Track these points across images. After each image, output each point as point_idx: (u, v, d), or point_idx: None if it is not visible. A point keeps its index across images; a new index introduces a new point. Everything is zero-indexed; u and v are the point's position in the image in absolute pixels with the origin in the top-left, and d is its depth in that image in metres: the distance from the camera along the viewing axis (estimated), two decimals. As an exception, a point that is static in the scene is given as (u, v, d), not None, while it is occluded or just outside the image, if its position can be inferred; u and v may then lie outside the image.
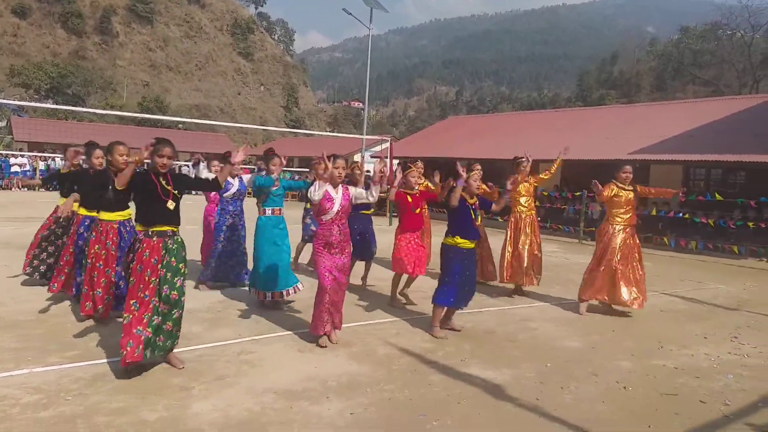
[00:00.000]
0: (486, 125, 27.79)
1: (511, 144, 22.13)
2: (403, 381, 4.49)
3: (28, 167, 28.56)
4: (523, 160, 8.03)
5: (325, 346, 5.20)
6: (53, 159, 30.47)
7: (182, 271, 4.49)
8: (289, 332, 5.63)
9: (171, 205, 4.43)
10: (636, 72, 73.00)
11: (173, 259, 4.42)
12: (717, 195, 14.25)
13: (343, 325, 5.56)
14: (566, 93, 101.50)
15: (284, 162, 6.74)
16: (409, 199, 6.90)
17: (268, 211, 6.47)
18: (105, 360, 4.59)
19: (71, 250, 6.18)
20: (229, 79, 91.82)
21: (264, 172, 6.62)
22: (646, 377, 4.85)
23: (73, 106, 49.61)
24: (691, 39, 49.94)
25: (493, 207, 6.10)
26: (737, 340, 6.14)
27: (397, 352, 5.21)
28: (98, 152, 6.19)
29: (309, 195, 5.19)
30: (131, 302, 4.30)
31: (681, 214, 14.95)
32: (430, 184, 8.48)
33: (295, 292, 6.47)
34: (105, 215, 5.65)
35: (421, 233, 7.26)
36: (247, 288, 6.94)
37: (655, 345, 5.83)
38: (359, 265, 7.94)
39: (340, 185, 5.30)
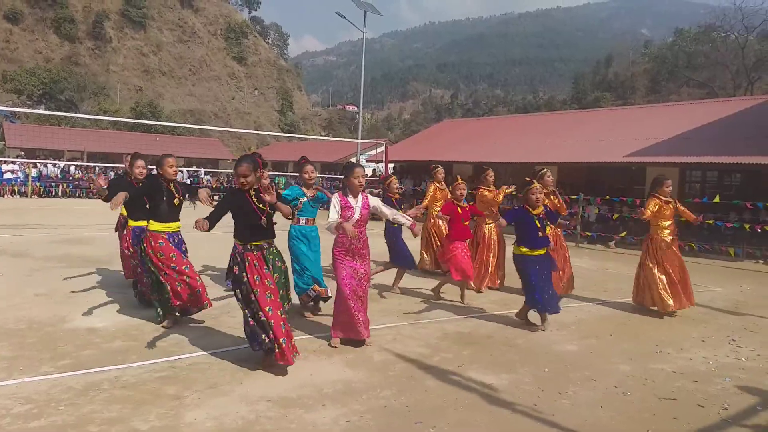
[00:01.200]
0: (481, 128, 27.82)
1: (507, 147, 22.17)
2: (399, 387, 4.44)
3: (20, 174, 28.40)
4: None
5: (336, 347, 5.33)
6: (45, 165, 30.34)
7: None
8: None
9: (264, 222, 4.78)
10: (631, 74, 73.17)
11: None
12: (717, 198, 14.27)
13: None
14: (561, 95, 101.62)
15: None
16: (459, 211, 7.26)
17: (302, 221, 6.43)
18: (97, 369, 4.53)
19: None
20: (223, 83, 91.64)
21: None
22: (644, 381, 4.82)
23: (66, 111, 49.44)
24: (685, 41, 50.14)
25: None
26: (735, 343, 6.12)
27: (393, 358, 5.16)
28: (140, 162, 6.63)
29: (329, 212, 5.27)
30: (267, 309, 4.59)
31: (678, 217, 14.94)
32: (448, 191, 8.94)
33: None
34: (157, 226, 5.78)
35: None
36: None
37: (653, 348, 5.80)
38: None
39: (360, 193, 5.35)
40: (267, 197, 4.71)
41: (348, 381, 4.53)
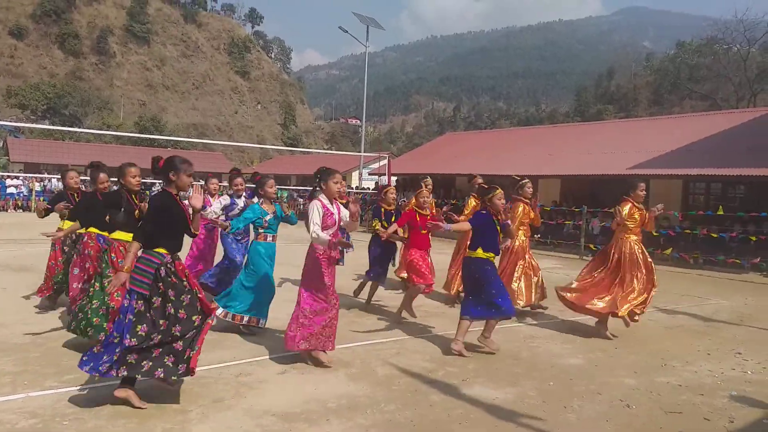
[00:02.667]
0: (484, 141, 27.91)
1: (510, 160, 22.21)
2: (404, 401, 4.43)
3: (23, 189, 28.54)
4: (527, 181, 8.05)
5: (323, 365, 5.17)
6: (49, 180, 30.48)
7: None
8: (288, 354, 5.56)
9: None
10: (633, 87, 73.44)
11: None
12: (720, 209, 14.25)
13: (342, 346, 5.50)
14: (564, 108, 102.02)
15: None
16: (418, 218, 7.14)
17: (269, 238, 6.23)
18: (102, 384, 4.52)
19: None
20: (226, 97, 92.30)
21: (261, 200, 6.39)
22: (649, 394, 4.80)
23: (69, 126, 49.81)
24: (688, 54, 50.29)
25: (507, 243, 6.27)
26: (740, 356, 6.09)
27: (397, 372, 5.15)
28: (103, 176, 6.25)
29: (309, 222, 5.09)
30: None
31: (680, 228, 14.94)
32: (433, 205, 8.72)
33: (264, 325, 6.24)
34: (121, 235, 5.62)
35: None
36: None
37: (658, 362, 5.78)
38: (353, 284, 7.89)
39: (335, 201, 5.32)
40: (193, 202, 4.35)
41: (352, 395, 4.52)
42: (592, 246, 16.04)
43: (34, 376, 4.66)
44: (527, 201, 7.73)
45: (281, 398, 4.39)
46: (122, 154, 42.62)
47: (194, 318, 4.20)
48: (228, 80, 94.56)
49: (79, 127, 49.34)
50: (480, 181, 8.03)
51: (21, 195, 28.14)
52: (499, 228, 5.84)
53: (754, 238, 13.61)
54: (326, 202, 5.19)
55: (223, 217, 6.89)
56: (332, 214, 5.16)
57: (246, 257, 6.37)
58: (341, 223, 5.35)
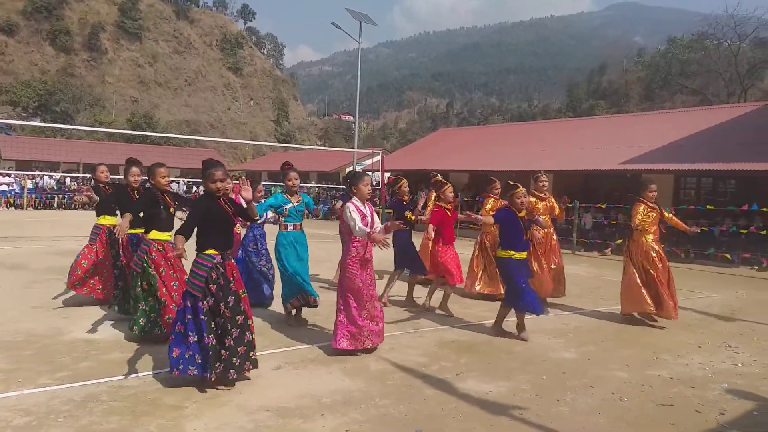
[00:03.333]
0: (477, 137, 27.93)
1: (503, 155, 22.26)
2: (398, 396, 4.45)
3: (15, 186, 28.39)
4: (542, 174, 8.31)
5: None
6: (41, 177, 30.33)
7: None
8: (283, 349, 5.58)
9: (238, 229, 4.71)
10: (625, 82, 73.67)
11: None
12: (709, 206, 14.37)
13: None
14: (556, 104, 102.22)
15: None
16: (449, 214, 7.36)
17: (290, 227, 6.43)
18: (96, 381, 4.52)
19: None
20: (219, 94, 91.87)
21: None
22: (641, 388, 4.84)
23: (61, 123, 49.49)
24: (679, 49, 50.54)
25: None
26: (731, 349, 6.15)
27: (391, 367, 5.17)
28: (135, 170, 6.46)
29: (349, 221, 5.23)
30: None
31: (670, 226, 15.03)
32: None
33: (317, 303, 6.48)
34: (159, 235, 5.72)
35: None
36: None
37: (650, 355, 5.83)
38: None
39: (365, 201, 5.46)
40: (245, 194, 4.61)
41: (347, 390, 4.54)
42: (584, 240, 16.13)
43: (28, 373, 4.66)
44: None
45: (276, 394, 4.41)
46: (114, 151, 42.41)
47: (237, 318, 4.50)
48: (220, 76, 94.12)
49: (71, 124, 49.00)
50: (438, 177, 8.09)
51: (13, 193, 28.00)
52: (522, 226, 6.06)
53: (744, 232, 13.71)
54: (359, 203, 5.36)
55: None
56: (365, 215, 5.32)
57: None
58: (374, 228, 5.42)
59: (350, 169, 24.91)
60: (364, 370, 5.05)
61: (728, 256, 13.67)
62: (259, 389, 4.50)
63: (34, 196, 28.34)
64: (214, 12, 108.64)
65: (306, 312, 6.72)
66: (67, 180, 31.54)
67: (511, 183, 6.20)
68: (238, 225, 7.09)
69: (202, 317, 4.36)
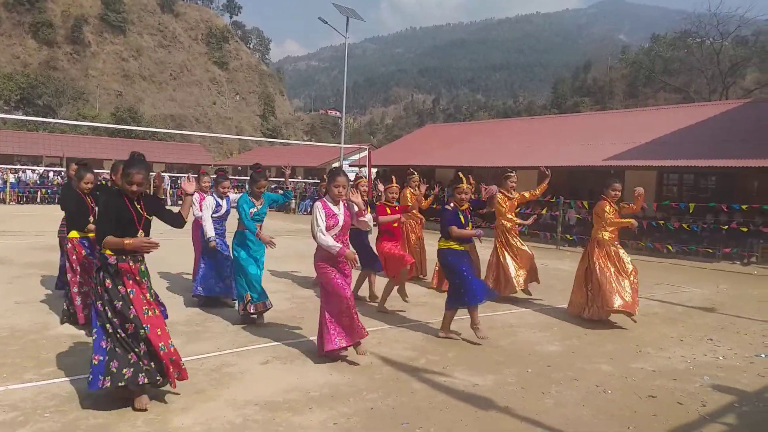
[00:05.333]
0: (463, 133, 28.02)
1: (488, 151, 22.36)
2: (386, 390, 4.49)
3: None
4: (512, 174, 8.18)
5: (365, 353, 5.16)
6: (24, 171, 29.94)
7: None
8: (270, 344, 5.59)
9: (141, 234, 4.13)
10: (609, 79, 74.20)
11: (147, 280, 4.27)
12: (691, 205, 14.57)
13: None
14: (541, 100, 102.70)
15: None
16: (388, 211, 7.39)
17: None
18: (82, 376, 4.49)
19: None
20: (204, 88, 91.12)
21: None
22: (625, 380, 4.92)
23: (44, 117, 48.86)
24: (662, 47, 50.93)
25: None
26: (712, 342, 6.26)
27: (379, 361, 5.21)
28: (89, 176, 5.96)
29: (313, 225, 5.02)
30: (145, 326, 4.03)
31: (655, 223, 15.21)
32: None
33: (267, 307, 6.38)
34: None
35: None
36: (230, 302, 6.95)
37: (633, 348, 5.92)
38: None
39: (341, 201, 5.18)
40: (187, 187, 4.40)
41: (334, 384, 4.57)
42: (568, 236, 16.27)
43: (13, 368, 4.63)
44: (506, 193, 8.04)
45: (264, 388, 4.42)
46: (98, 145, 42.02)
47: (127, 326, 3.98)
48: (206, 71, 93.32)
49: (54, 118, 48.39)
50: (513, 179, 8.10)
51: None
52: (462, 218, 5.92)
53: (725, 228, 13.91)
54: (329, 203, 5.10)
55: (213, 237, 6.86)
56: (335, 215, 5.05)
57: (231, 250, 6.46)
58: (353, 224, 5.31)
59: (337, 164, 24.89)
60: (352, 364, 5.08)
61: (710, 250, 13.86)
62: (247, 383, 4.51)
63: (16, 190, 27.98)
64: (199, 5, 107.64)
65: (293, 306, 6.72)
66: (50, 174, 31.16)
67: (460, 175, 6.05)
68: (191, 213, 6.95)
69: (98, 321, 4.03)
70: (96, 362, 3.91)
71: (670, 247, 14.54)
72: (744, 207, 13.88)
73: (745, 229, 13.63)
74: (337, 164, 25.03)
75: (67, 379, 4.44)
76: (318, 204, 5.08)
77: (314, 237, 5.03)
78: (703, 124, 18.04)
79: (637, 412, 4.23)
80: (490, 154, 21.76)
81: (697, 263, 13.48)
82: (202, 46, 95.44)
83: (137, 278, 4.12)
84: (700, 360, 5.60)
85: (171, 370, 4.05)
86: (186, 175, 4.63)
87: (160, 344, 4.02)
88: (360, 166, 28.29)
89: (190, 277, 8.75)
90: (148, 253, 4.16)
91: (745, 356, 5.79)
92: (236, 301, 6.52)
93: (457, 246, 5.92)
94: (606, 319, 6.96)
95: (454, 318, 6.09)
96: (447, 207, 6.00)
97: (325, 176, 8.08)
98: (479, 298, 5.80)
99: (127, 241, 4.00)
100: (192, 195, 4.48)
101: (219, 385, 4.44)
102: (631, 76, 63.31)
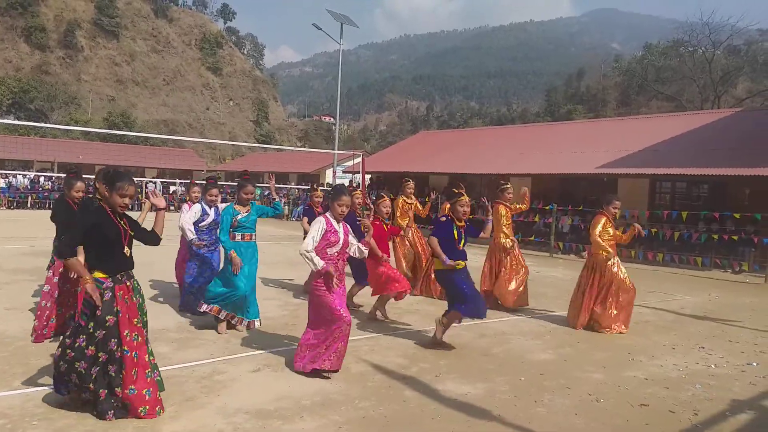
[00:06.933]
0: (456, 140, 28.06)
1: (482, 158, 22.40)
2: (378, 398, 4.46)
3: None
4: (508, 186, 8.10)
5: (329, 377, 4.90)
6: (15, 176, 29.76)
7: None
8: (261, 352, 5.56)
9: (127, 251, 4.03)
10: (602, 87, 74.57)
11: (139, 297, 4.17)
12: (683, 213, 14.64)
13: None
14: (535, 108, 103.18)
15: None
16: (385, 228, 7.24)
17: (238, 237, 6.15)
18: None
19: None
20: (198, 93, 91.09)
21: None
22: (617, 388, 4.91)
23: (35, 121, 48.62)
24: (654, 56, 51.25)
25: (481, 235, 6.18)
26: (704, 350, 6.27)
27: (371, 369, 5.18)
28: (80, 185, 5.72)
29: (305, 243, 4.88)
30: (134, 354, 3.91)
31: (648, 232, 15.27)
32: (419, 204, 9.09)
33: (259, 325, 6.31)
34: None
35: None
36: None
37: (626, 356, 5.92)
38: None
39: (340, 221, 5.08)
40: (156, 202, 4.18)
41: (326, 392, 4.54)
42: (560, 244, 16.30)
43: (1, 376, 4.58)
44: (507, 204, 7.96)
45: (254, 396, 4.39)
46: (90, 150, 41.79)
47: (100, 355, 3.84)
48: (199, 76, 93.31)
49: (46, 123, 48.20)
50: (510, 191, 8.06)
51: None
52: (456, 235, 5.81)
53: (716, 237, 13.97)
54: (332, 220, 5.00)
55: (195, 237, 6.76)
56: (336, 232, 4.95)
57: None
58: (352, 251, 5.19)
59: (330, 170, 24.87)
60: (344, 372, 5.05)
61: (700, 258, 13.91)
62: (237, 391, 4.48)
63: (7, 195, 27.80)
64: (193, 11, 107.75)
65: (285, 314, 6.67)
66: (41, 179, 30.99)
67: (456, 190, 6.01)
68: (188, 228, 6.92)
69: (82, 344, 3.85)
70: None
71: (662, 254, 14.59)
72: (736, 215, 13.94)
73: (736, 238, 13.69)
74: (330, 170, 25.00)
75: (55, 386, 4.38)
76: (321, 219, 4.97)
77: (302, 249, 4.85)
78: (695, 133, 18.14)
79: (629, 421, 4.22)
80: (483, 162, 21.80)
81: (689, 271, 13.53)
82: (196, 52, 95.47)
83: (131, 298, 4.00)
84: (692, 368, 5.60)
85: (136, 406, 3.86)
86: (152, 189, 4.38)
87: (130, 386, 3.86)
88: (353, 173, 28.29)
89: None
90: (93, 302, 3.85)
91: (737, 364, 5.79)
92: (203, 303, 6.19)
93: (439, 266, 5.80)
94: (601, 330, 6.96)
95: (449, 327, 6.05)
96: (441, 218, 5.92)
97: (314, 185, 8.03)
98: (481, 315, 5.78)
99: (88, 277, 3.81)
100: (163, 210, 4.27)
101: (209, 393, 4.41)
102: (623, 85, 63.64)
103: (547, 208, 16.49)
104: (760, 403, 4.72)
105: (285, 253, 13.08)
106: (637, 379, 5.17)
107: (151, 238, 4.24)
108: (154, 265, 9.36)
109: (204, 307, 6.12)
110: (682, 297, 9.90)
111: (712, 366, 5.71)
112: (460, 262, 5.76)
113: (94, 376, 3.82)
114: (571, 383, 4.99)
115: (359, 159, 21.23)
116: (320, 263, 4.82)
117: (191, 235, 6.72)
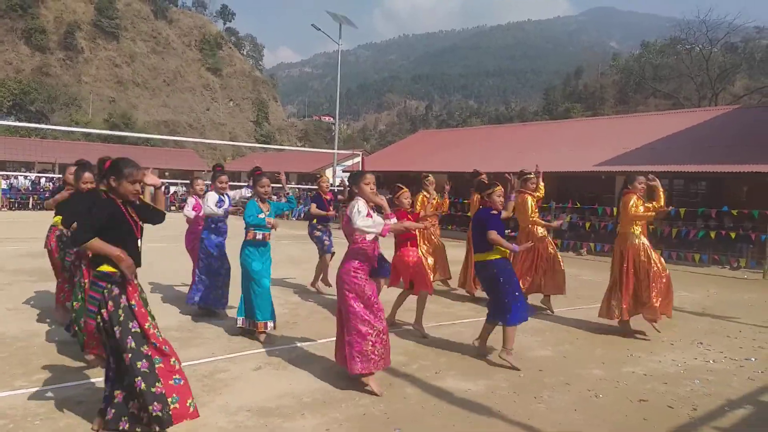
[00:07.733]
0: (456, 139, 28.10)
1: (481, 157, 22.43)
2: (379, 395, 4.49)
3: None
4: (532, 176, 8.13)
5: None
6: (15, 177, 29.80)
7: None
8: (263, 350, 5.59)
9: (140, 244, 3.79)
10: (600, 86, 74.57)
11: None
12: (681, 210, 14.65)
13: (316, 341, 5.51)
14: (533, 107, 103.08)
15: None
16: (410, 218, 6.90)
17: (259, 236, 6.03)
18: (73, 383, 4.49)
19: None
20: (198, 94, 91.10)
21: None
22: (616, 384, 4.94)
23: (36, 123, 48.66)
24: (652, 54, 51.36)
25: (503, 214, 5.89)
26: (702, 346, 6.30)
27: (372, 366, 5.19)
28: (87, 176, 5.67)
29: (355, 220, 4.49)
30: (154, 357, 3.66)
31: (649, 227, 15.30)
32: (437, 197, 9.22)
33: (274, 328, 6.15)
34: None
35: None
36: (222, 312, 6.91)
37: (625, 353, 5.95)
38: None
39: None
40: (150, 180, 3.88)
41: (327, 390, 4.57)
42: (558, 242, 16.31)
43: (2, 376, 4.60)
44: (532, 193, 8.04)
45: (256, 394, 4.41)
46: (91, 151, 41.75)
47: (124, 356, 3.57)
48: (199, 77, 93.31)
49: (46, 124, 48.21)
50: (429, 177, 8.13)
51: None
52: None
53: (714, 234, 13.99)
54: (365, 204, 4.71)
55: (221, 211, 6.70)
56: (371, 214, 4.66)
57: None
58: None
59: (330, 170, 24.89)
60: (345, 369, 5.06)
61: (696, 257, 13.94)
62: (239, 390, 4.50)
63: (8, 196, 27.83)
64: (192, 12, 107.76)
65: (285, 312, 6.69)
66: (42, 180, 31.03)
67: (485, 178, 5.95)
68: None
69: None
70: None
71: (660, 251, 14.60)
72: (734, 212, 13.98)
73: (734, 234, 13.72)
74: (330, 170, 25.01)
75: (57, 386, 4.42)
76: (358, 201, 4.61)
77: (358, 227, 4.48)
78: (692, 130, 18.18)
79: (628, 417, 4.25)
80: (482, 160, 21.80)
81: (687, 268, 13.55)
82: (196, 53, 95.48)
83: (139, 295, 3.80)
84: (690, 364, 5.63)
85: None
86: (148, 168, 4.09)
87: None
88: (353, 173, 28.37)
89: (180, 282, 8.75)
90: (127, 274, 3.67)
91: (735, 360, 5.82)
92: (239, 317, 6.06)
93: (496, 255, 5.47)
94: (599, 323, 6.98)
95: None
96: (491, 212, 5.58)
97: (319, 173, 8.06)
98: (525, 317, 5.47)
99: (118, 251, 3.55)
100: (160, 188, 4.08)
101: (211, 391, 4.43)
102: (621, 83, 63.68)
103: (545, 205, 16.48)
104: (759, 398, 4.75)
105: (286, 251, 13.10)
106: (635, 375, 5.20)
107: (156, 216, 4.01)
108: (153, 265, 9.38)
109: (240, 322, 6.01)
110: (681, 293, 9.91)
111: (711, 361, 5.73)
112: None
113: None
114: (570, 380, 5.02)
115: (359, 158, 21.27)
116: (381, 223, 4.55)
117: (221, 211, 6.65)
